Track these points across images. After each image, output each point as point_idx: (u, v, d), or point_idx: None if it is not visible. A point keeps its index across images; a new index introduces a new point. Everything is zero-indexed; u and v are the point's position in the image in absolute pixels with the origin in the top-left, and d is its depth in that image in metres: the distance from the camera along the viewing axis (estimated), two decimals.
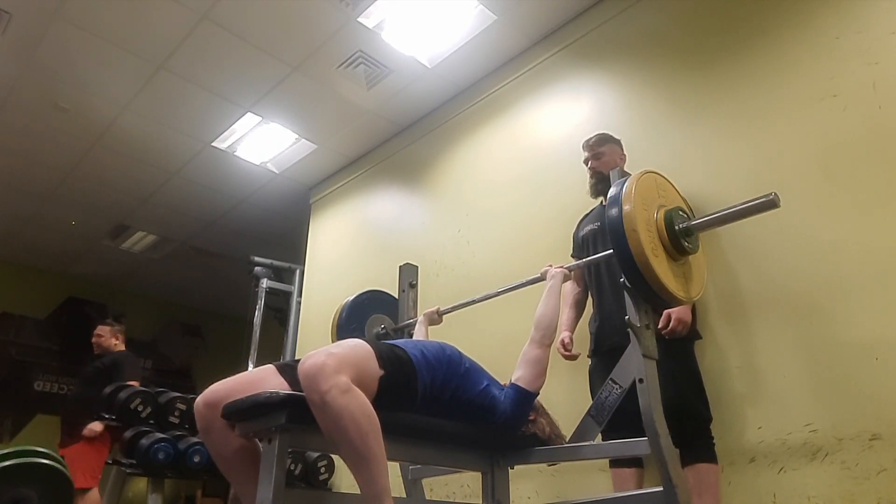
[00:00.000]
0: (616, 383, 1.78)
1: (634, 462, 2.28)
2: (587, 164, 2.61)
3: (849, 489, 1.92)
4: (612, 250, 1.75)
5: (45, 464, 3.43)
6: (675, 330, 2.14)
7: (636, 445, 1.74)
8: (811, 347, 2.12)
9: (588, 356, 2.47)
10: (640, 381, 1.68)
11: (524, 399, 1.83)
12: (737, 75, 2.60)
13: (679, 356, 2.17)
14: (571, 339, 2.50)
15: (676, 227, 1.76)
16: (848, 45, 2.30)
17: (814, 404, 2.06)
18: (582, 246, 2.57)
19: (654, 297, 1.72)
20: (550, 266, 2.12)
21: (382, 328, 2.70)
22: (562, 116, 3.33)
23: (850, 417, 1.97)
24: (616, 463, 2.32)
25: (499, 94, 3.76)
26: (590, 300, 2.58)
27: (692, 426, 2.08)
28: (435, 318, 2.53)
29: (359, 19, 3.43)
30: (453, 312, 2.54)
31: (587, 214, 2.67)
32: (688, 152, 2.67)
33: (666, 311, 2.14)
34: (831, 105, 2.28)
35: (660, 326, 2.13)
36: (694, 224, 1.81)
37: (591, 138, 2.63)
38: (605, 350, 2.32)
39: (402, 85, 3.95)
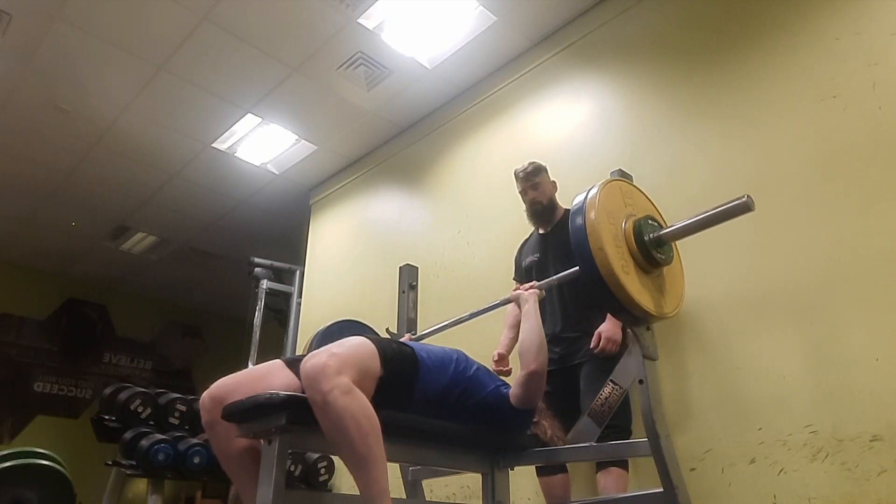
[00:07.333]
0: (616, 384, 1.78)
1: (561, 469, 2.33)
2: (525, 195, 2.64)
3: (849, 490, 1.92)
4: (577, 268, 1.65)
5: (45, 465, 3.43)
6: (604, 349, 2.19)
7: (636, 446, 1.74)
8: (811, 348, 2.12)
9: None
10: (641, 381, 1.68)
11: (523, 413, 1.83)
12: (737, 76, 2.60)
13: (610, 372, 2.17)
14: (502, 357, 2.45)
15: (646, 238, 1.67)
16: (848, 46, 2.30)
17: (814, 405, 2.06)
18: (525, 274, 2.61)
19: (627, 315, 1.64)
20: (519, 288, 2.07)
21: None
22: (562, 117, 3.33)
23: (851, 418, 1.97)
24: (543, 471, 2.35)
25: (499, 96, 3.76)
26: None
27: (613, 434, 2.06)
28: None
29: (359, 20, 3.43)
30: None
31: (527, 241, 2.73)
32: (688, 153, 2.67)
33: (597, 331, 2.20)
34: (831, 106, 2.28)
35: (591, 346, 2.21)
36: (665, 233, 1.70)
37: (526, 168, 2.64)
38: (553, 369, 2.30)
39: (402, 86, 3.95)
